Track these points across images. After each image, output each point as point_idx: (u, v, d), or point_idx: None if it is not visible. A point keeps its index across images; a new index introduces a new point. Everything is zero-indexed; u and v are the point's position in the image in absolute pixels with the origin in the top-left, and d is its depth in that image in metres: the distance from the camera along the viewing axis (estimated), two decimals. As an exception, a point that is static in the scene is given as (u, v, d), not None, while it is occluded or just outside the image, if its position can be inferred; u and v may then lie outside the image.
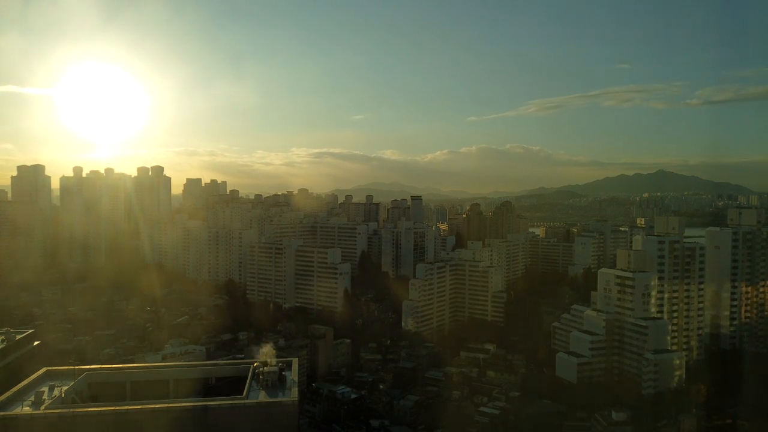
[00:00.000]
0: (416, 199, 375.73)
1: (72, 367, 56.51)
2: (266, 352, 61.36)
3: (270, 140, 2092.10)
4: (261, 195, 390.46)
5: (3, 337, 76.23)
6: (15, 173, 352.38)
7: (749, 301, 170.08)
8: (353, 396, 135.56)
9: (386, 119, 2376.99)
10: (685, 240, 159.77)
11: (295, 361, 60.81)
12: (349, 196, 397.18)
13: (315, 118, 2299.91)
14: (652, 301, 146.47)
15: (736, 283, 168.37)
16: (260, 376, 55.91)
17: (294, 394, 52.64)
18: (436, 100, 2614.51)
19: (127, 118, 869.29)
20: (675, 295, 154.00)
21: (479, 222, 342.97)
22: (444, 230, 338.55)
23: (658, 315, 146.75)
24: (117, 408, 48.84)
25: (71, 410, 47.99)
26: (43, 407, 48.93)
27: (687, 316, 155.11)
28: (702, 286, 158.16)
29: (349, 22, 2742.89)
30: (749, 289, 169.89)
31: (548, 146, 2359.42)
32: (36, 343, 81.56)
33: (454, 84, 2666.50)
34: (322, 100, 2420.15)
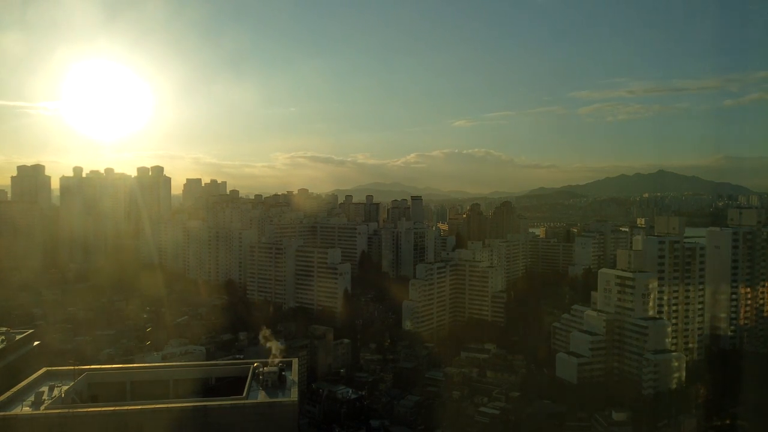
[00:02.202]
0: (416, 199, 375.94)
1: (72, 367, 56.41)
2: (266, 338, 61.61)
3: (249, 145, 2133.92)
4: (261, 195, 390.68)
5: (3, 337, 76.10)
6: (15, 173, 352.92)
7: (749, 302, 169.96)
8: (353, 396, 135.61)
9: (349, 127, 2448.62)
10: (685, 240, 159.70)
11: (295, 362, 60.74)
12: (349, 197, 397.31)
13: (288, 125, 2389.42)
14: (652, 301, 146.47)
15: (736, 284, 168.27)
16: (260, 376, 55.91)
17: (294, 394, 52.60)
18: (398, 110, 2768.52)
19: (112, 122, 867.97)
20: (675, 295, 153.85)
21: (479, 222, 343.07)
22: (444, 230, 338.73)
23: (659, 315, 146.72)
24: (117, 408, 48.79)
25: (71, 410, 47.92)
26: (43, 407, 48.89)
27: (687, 317, 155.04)
28: (702, 287, 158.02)
29: (318, 35, 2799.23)
30: (749, 289, 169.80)
31: (510, 151, 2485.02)
32: (36, 343, 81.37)
33: (417, 94, 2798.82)
34: (290, 109, 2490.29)
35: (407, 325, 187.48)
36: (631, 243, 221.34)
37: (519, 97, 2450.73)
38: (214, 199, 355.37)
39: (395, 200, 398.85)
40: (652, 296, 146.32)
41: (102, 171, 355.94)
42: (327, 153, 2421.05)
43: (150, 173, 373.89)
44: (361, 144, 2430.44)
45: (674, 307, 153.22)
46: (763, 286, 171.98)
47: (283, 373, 57.07)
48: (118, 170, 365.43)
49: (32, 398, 50.63)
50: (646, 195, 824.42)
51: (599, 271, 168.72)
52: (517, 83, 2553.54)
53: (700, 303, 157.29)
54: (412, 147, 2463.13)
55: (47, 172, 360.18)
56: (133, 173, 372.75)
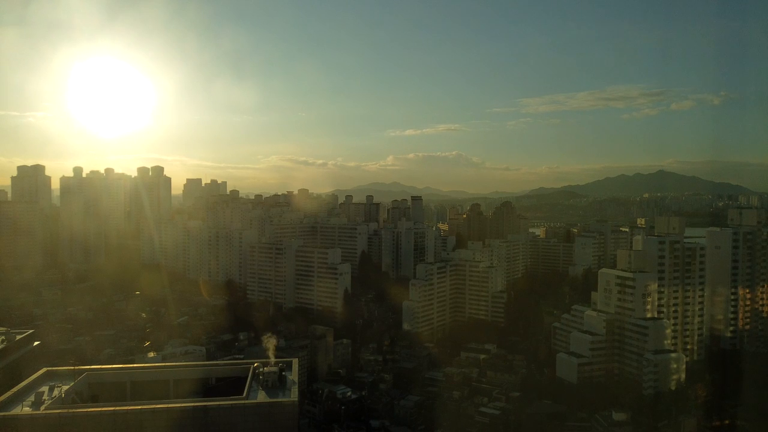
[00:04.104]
0: (416, 199, 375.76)
1: (72, 367, 56.39)
2: (269, 347, 61.76)
3: (230, 149, 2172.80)
4: (261, 195, 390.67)
5: (3, 337, 75.94)
6: (15, 173, 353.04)
7: (749, 302, 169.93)
8: (353, 396, 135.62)
9: (319, 132, 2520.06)
10: (685, 240, 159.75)
11: (295, 362, 60.63)
12: (349, 197, 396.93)
13: (263, 130, 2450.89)
14: (653, 301, 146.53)
15: (736, 284, 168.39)
16: (260, 377, 55.86)
17: (294, 395, 52.56)
18: (369, 117, 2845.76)
19: (102, 123, 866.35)
20: (675, 295, 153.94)
21: (479, 222, 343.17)
22: (444, 230, 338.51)
23: (659, 315, 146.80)
24: (117, 408, 48.73)
25: (71, 410, 47.87)
26: (43, 407, 48.85)
27: (687, 317, 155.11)
28: (702, 287, 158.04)
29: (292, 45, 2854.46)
30: (749, 289, 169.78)
31: (482, 156, 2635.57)
32: (36, 343, 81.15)
33: (389, 102, 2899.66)
34: (261, 117, 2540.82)
35: (407, 325, 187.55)
36: (631, 243, 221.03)
37: (466, 108, 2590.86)
38: (214, 199, 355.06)
39: (395, 200, 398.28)
40: (652, 296, 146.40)
41: (102, 171, 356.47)
42: (304, 156, 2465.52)
43: (150, 173, 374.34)
44: (331, 149, 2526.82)
45: (674, 308, 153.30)
46: (763, 286, 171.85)
47: (283, 373, 57.01)
48: (117, 170, 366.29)
49: (32, 398, 50.55)
50: (646, 195, 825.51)
51: (599, 271, 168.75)
52: (465, 97, 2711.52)
53: (700, 303, 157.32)
54: (386, 151, 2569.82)
55: (47, 173, 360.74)
56: (132, 173, 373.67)
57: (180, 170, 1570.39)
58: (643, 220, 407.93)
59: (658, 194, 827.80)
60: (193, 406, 49.97)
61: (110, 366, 72.27)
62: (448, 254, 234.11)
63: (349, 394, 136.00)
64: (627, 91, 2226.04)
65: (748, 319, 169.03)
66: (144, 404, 49.54)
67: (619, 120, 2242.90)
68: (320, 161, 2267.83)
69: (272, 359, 62.34)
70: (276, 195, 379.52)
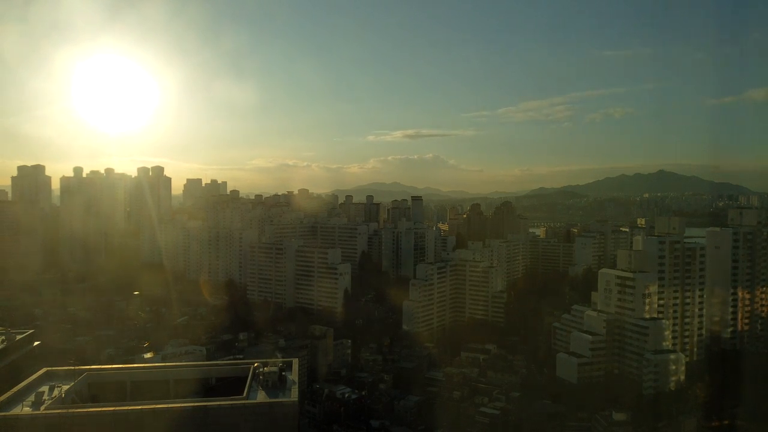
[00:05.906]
0: (416, 199, 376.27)
1: (72, 367, 56.35)
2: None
3: (219, 154, 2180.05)
4: (261, 195, 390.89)
5: (3, 337, 75.96)
6: (15, 173, 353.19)
7: (749, 302, 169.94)
8: (353, 396, 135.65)
9: (298, 135, 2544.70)
10: (685, 240, 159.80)
11: (295, 362, 60.58)
12: (349, 197, 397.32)
13: (244, 135, 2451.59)
14: (653, 301, 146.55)
15: (736, 284, 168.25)
16: (260, 377, 55.85)
17: (294, 395, 52.53)
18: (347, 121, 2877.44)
19: (98, 124, 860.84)
20: (675, 295, 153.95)
21: (479, 222, 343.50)
22: (444, 230, 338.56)
23: (659, 315, 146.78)
24: (117, 408, 48.70)
25: (71, 410, 47.85)
26: (43, 407, 48.82)
27: (687, 317, 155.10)
28: (702, 287, 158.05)
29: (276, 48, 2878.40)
30: (749, 289, 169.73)
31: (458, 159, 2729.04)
32: (36, 343, 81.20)
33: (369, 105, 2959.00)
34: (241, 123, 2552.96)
35: (407, 325, 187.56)
36: (631, 243, 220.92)
37: (410, 119, 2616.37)
38: (214, 199, 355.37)
39: (395, 200, 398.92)
40: (652, 296, 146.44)
41: (102, 171, 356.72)
42: (285, 158, 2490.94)
43: (150, 173, 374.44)
44: (311, 152, 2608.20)
45: (674, 308, 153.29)
46: (763, 286, 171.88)
47: (284, 373, 56.97)
48: (117, 170, 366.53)
49: (32, 398, 50.51)
50: (647, 195, 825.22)
51: (599, 271, 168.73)
52: (408, 110, 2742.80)
53: (700, 303, 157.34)
54: (354, 155, 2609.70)
55: (47, 173, 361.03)
56: (134, 173, 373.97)
57: (171, 172, 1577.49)
58: (643, 220, 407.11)
59: (658, 194, 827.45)
60: (193, 406, 49.93)
61: (110, 366, 72.23)
62: (448, 254, 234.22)
63: (349, 394, 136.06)
64: (539, 108, 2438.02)
65: (747, 320, 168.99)
66: (144, 404, 49.49)
67: (547, 129, 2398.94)
68: (304, 163, 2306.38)
69: (272, 359, 62.36)
70: (276, 195, 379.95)
